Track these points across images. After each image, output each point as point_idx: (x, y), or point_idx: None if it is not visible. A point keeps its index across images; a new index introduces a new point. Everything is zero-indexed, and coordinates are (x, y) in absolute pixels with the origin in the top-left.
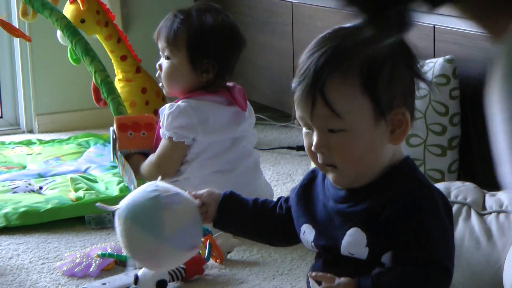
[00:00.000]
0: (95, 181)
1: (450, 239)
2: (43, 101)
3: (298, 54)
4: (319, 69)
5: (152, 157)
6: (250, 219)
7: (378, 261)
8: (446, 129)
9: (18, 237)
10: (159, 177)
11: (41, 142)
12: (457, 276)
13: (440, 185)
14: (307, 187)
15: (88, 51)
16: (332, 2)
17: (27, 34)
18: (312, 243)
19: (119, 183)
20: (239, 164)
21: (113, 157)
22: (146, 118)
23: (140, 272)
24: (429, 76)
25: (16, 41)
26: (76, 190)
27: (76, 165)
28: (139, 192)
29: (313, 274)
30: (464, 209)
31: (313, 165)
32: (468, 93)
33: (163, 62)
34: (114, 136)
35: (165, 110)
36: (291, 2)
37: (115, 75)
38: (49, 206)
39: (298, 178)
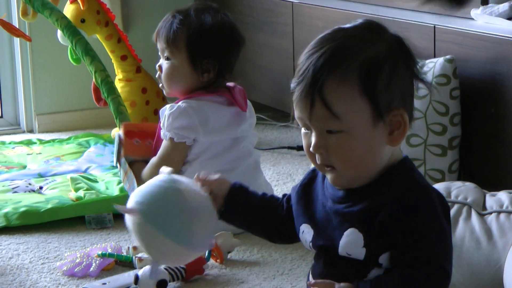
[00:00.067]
0: (95, 181)
1: (448, 240)
2: (43, 101)
3: (299, 54)
4: (318, 70)
5: (153, 159)
6: (256, 215)
7: (375, 262)
8: (446, 129)
9: (18, 237)
10: (169, 169)
11: (41, 142)
12: (458, 276)
13: (440, 185)
14: (307, 187)
15: (88, 51)
16: (332, 2)
17: (27, 34)
18: (310, 243)
19: (119, 183)
20: (239, 164)
21: (116, 162)
22: (153, 127)
23: (140, 272)
24: (430, 76)
25: (17, 40)
26: (76, 190)
27: (76, 165)
28: (158, 191)
29: (312, 282)
30: (465, 209)
31: (313, 165)
32: (469, 93)
33: (163, 63)
34: (119, 142)
35: (166, 111)
36: (292, 2)
37: (115, 75)
38: (49, 206)
39: (298, 178)
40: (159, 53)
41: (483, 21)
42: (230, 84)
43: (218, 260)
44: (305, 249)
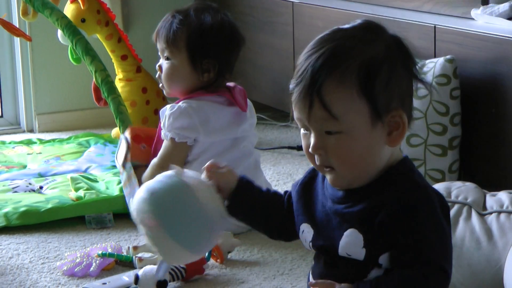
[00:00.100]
0: (96, 181)
1: (447, 240)
2: (43, 101)
3: (299, 54)
4: (317, 71)
5: (154, 160)
6: (259, 211)
7: (375, 262)
8: (446, 129)
9: (19, 237)
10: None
11: (41, 141)
12: (458, 276)
13: (440, 185)
14: (307, 185)
15: (89, 50)
16: (333, 2)
17: (27, 33)
18: (310, 243)
19: (119, 182)
20: (240, 164)
21: (121, 166)
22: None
23: (140, 272)
24: (430, 76)
25: (17, 40)
26: (77, 189)
27: (76, 164)
28: (171, 194)
29: (313, 282)
30: (465, 209)
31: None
32: (469, 93)
33: (163, 63)
34: (126, 146)
35: (166, 111)
36: (292, 1)
37: (116, 75)
38: (49, 205)
39: (298, 178)
40: (159, 53)
41: (483, 21)
42: (231, 84)
43: (218, 260)
44: (305, 249)
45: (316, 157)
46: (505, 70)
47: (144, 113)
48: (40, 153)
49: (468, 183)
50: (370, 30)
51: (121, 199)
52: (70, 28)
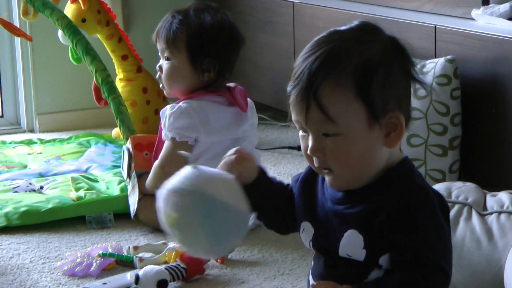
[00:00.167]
0: (96, 181)
1: (447, 241)
2: (44, 101)
3: (299, 54)
4: (313, 73)
5: (156, 162)
6: (270, 205)
7: (375, 263)
8: (447, 129)
9: (19, 237)
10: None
11: (42, 141)
12: (458, 276)
13: (441, 185)
14: (308, 181)
15: (89, 50)
16: (333, 2)
17: (28, 33)
18: (310, 242)
19: (119, 182)
20: None
21: (127, 176)
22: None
23: (141, 272)
24: (430, 76)
25: (17, 40)
26: (77, 189)
27: (77, 164)
28: (206, 196)
29: (314, 284)
30: (465, 210)
31: None
32: (469, 93)
33: (163, 63)
34: (128, 156)
35: (167, 111)
36: (292, 1)
37: (116, 75)
38: (50, 205)
39: None
40: (159, 54)
41: (483, 22)
42: (231, 84)
43: (218, 260)
44: (305, 249)
45: (314, 159)
46: (506, 70)
47: (144, 113)
48: (40, 153)
49: (468, 183)
50: (367, 32)
51: (121, 199)
52: (71, 28)
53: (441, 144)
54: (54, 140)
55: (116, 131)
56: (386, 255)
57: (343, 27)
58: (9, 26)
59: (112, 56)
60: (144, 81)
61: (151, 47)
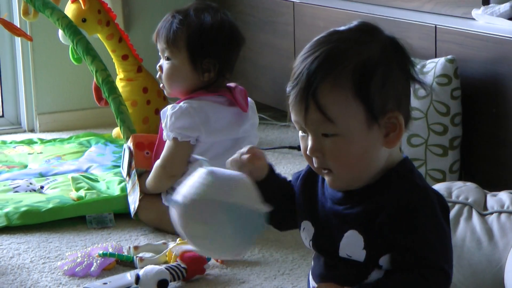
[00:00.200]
0: (96, 181)
1: (447, 242)
2: (44, 100)
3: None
4: (312, 73)
5: (157, 162)
6: (277, 199)
7: (375, 264)
8: (447, 129)
9: (19, 237)
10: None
11: (42, 141)
12: (459, 276)
13: (441, 185)
14: (309, 181)
15: (89, 50)
16: (333, 2)
17: (28, 33)
18: (310, 242)
19: (120, 182)
20: None
21: (126, 174)
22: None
23: (141, 272)
24: (431, 76)
25: (18, 40)
26: (77, 189)
27: (77, 164)
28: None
29: (316, 286)
30: (466, 209)
31: None
32: (470, 93)
33: (164, 63)
34: (129, 154)
35: (168, 111)
36: (293, 1)
37: (117, 75)
38: (50, 205)
39: None
40: (160, 54)
41: (484, 21)
42: (232, 84)
43: (219, 260)
44: (306, 249)
45: (313, 159)
46: (506, 70)
47: (145, 113)
48: (41, 153)
49: (468, 183)
50: (366, 32)
51: (122, 199)
52: (71, 28)
53: (442, 144)
54: (54, 140)
55: (116, 131)
56: (386, 255)
57: (342, 28)
58: (9, 26)
59: (112, 56)
60: (144, 81)
61: (151, 47)
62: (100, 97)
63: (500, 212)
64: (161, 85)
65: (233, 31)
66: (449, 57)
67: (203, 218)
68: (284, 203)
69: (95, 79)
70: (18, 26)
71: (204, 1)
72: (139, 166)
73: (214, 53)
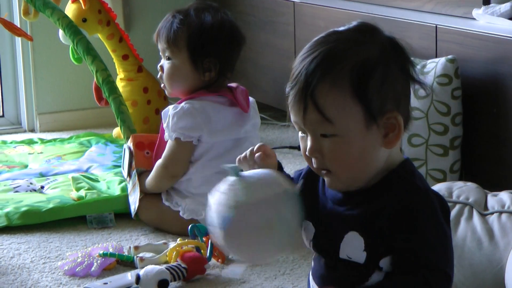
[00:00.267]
0: (97, 181)
1: (448, 244)
2: (44, 100)
3: None
4: (310, 74)
5: (159, 162)
6: None
7: (376, 266)
8: (448, 129)
9: (20, 237)
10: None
11: (42, 141)
12: (459, 276)
13: (442, 185)
14: (310, 180)
15: (90, 50)
16: (334, 2)
17: (28, 33)
18: (311, 242)
19: (120, 182)
20: None
21: (127, 175)
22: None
23: (141, 272)
24: (431, 76)
25: (18, 40)
26: (78, 189)
27: (77, 164)
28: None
29: None
30: (466, 209)
31: None
32: (470, 93)
33: (164, 63)
34: (129, 154)
35: (169, 111)
36: (293, 1)
37: (117, 74)
38: (50, 205)
39: None
40: (160, 54)
41: (484, 21)
42: (233, 84)
43: (219, 260)
44: (306, 249)
45: (313, 160)
46: (507, 70)
47: (145, 113)
48: (41, 152)
49: (469, 183)
50: (365, 32)
51: (122, 199)
52: (71, 28)
53: (442, 144)
54: (54, 139)
55: (117, 131)
56: (387, 257)
57: (341, 28)
58: (10, 26)
59: (112, 56)
60: (144, 81)
61: (151, 46)
62: (100, 97)
63: (500, 212)
64: (162, 85)
65: (234, 31)
66: (449, 57)
67: (255, 222)
68: None
69: (95, 79)
70: (19, 26)
71: (204, 1)
72: (140, 166)
73: (214, 52)
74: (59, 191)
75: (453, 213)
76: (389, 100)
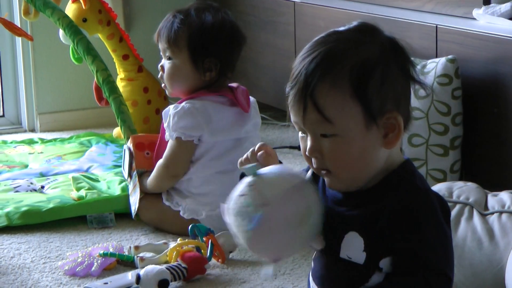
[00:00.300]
0: (97, 180)
1: (448, 245)
2: (45, 100)
3: None
4: (310, 74)
5: (160, 161)
6: None
7: (376, 266)
8: (448, 129)
9: (20, 236)
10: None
11: (43, 141)
12: (459, 276)
13: (442, 185)
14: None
15: (90, 50)
16: (334, 2)
17: (29, 33)
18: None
19: (121, 182)
20: None
21: (128, 175)
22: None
23: (142, 272)
24: (432, 76)
25: (18, 40)
26: (78, 189)
27: (78, 164)
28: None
29: None
30: (466, 209)
31: None
32: (471, 93)
33: (165, 63)
34: (129, 155)
35: (170, 110)
36: (294, 1)
37: (117, 74)
38: (51, 205)
39: None
40: (161, 53)
41: (485, 21)
42: (234, 84)
43: (219, 260)
44: (306, 249)
45: (313, 160)
46: (507, 70)
47: (145, 113)
48: (41, 152)
49: (469, 183)
50: (365, 32)
51: (122, 199)
52: (72, 28)
53: (442, 144)
54: (55, 139)
55: (117, 131)
56: (387, 258)
57: (341, 28)
58: (10, 26)
59: (113, 55)
60: (145, 80)
61: (152, 46)
62: (100, 96)
63: (501, 212)
64: (162, 85)
65: (234, 31)
66: (450, 57)
67: (285, 215)
68: None
69: (95, 79)
70: (19, 26)
71: (205, 0)
72: (140, 167)
73: (215, 52)
74: (60, 191)
75: (453, 213)
76: (389, 100)
